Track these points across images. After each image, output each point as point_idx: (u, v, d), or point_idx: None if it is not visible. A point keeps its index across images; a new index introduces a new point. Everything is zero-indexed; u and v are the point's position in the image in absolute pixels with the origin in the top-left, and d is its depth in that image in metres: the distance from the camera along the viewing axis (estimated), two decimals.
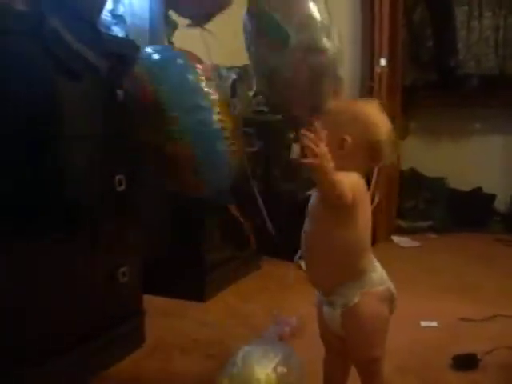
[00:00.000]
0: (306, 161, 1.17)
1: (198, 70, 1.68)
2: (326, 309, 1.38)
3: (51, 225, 1.55)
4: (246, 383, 1.44)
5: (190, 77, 1.66)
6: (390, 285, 1.36)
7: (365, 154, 1.35)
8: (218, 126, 1.65)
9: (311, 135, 1.17)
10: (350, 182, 1.27)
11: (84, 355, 1.68)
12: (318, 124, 1.22)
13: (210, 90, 1.67)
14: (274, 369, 1.46)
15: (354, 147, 1.32)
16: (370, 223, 1.37)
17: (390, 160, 1.38)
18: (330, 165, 1.18)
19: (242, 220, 1.85)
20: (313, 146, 1.16)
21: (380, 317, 1.34)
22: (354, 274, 1.32)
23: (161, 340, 2.01)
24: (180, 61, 1.70)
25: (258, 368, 1.45)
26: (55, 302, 1.57)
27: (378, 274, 1.35)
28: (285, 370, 1.48)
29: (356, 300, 1.31)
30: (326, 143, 1.22)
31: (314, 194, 1.40)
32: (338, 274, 1.33)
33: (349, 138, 1.32)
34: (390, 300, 1.35)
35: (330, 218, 1.32)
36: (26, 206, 1.46)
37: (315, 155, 1.16)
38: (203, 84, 1.66)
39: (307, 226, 1.39)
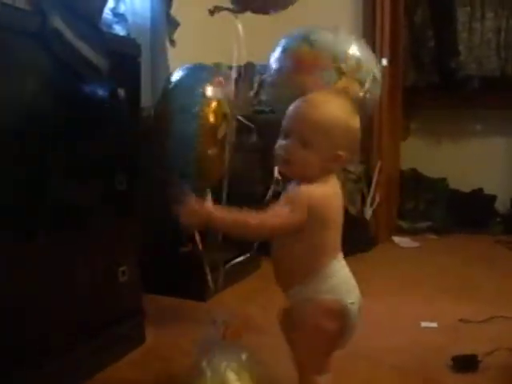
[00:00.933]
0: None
1: None
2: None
3: (51, 224, 1.55)
4: None
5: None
6: (346, 300, 1.27)
7: (331, 162, 1.28)
8: None
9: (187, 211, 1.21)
10: (301, 204, 1.22)
11: (83, 355, 1.68)
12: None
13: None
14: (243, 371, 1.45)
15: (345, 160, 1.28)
16: (338, 225, 1.31)
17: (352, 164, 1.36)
18: (213, 217, 1.19)
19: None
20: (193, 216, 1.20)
21: (318, 327, 1.26)
22: (305, 277, 1.28)
23: (160, 340, 2.01)
24: None
25: (230, 375, 1.44)
26: (55, 301, 1.57)
27: (331, 282, 1.27)
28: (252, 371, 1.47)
29: (298, 303, 1.29)
30: (315, 156, 1.24)
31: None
32: (292, 274, 1.30)
33: (343, 154, 1.26)
34: (340, 315, 1.26)
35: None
36: (25, 205, 1.46)
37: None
38: None
39: None
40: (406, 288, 2.69)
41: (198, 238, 2.00)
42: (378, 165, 3.70)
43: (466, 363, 1.80)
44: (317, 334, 1.27)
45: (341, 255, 1.33)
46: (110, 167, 1.78)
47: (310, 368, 1.31)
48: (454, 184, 4.40)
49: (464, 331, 2.13)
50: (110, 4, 2.22)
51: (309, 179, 1.27)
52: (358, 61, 1.90)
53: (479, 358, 1.80)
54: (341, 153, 1.26)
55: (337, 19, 3.92)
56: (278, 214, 1.23)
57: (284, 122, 1.31)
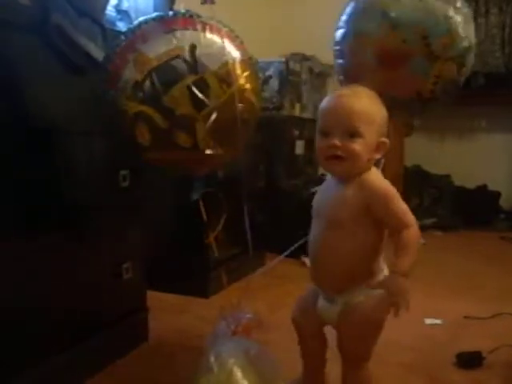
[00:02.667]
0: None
1: None
2: (323, 302, 1.38)
3: (54, 220, 1.55)
4: None
5: None
6: None
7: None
8: None
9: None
10: (397, 193, 1.29)
11: (87, 351, 1.68)
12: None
13: None
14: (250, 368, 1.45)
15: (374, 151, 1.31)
16: None
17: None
18: (406, 272, 1.24)
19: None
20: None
21: (379, 319, 1.31)
22: (364, 277, 1.31)
23: (164, 336, 2.01)
24: None
25: (237, 371, 1.43)
26: (58, 298, 1.57)
27: (384, 275, 1.33)
28: (260, 367, 1.46)
29: (359, 300, 1.30)
30: (364, 146, 1.27)
31: (326, 191, 1.38)
32: (347, 276, 1.31)
33: (387, 140, 1.30)
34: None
35: (358, 223, 1.29)
36: (28, 202, 1.46)
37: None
38: None
39: (319, 227, 1.35)
40: (410, 284, 2.67)
41: (211, 236, 1.97)
42: (382, 161, 3.67)
43: (470, 360, 1.79)
44: (379, 328, 1.32)
45: None
46: (113, 164, 1.77)
47: (366, 358, 1.34)
48: (458, 180, 4.40)
49: (468, 328, 2.13)
50: (113, 1, 2.21)
51: (359, 172, 1.30)
52: (450, 30, 1.64)
53: (483, 355, 1.80)
54: (385, 140, 1.30)
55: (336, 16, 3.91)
56: (409, 215, 1.27)
57: (322, 122, 1.32)
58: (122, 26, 2.36)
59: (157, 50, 1.37)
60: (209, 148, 1.37)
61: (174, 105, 1.32)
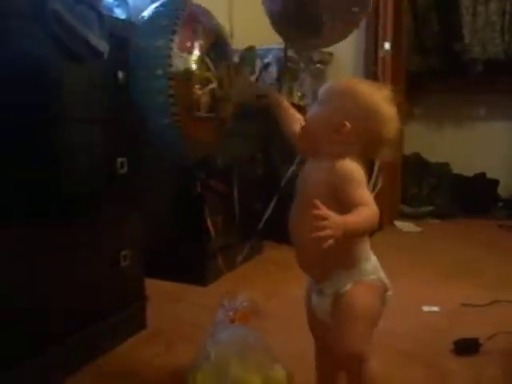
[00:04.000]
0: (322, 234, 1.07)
1: None
2: (314, 297, 1.32)
3: (52, 208, 1.55)
4: (222, 379, 1.41)
5: None
6: (383, 275, 1.29)
7: (362, 147, 1.25)
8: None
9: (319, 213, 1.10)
10: (363, 181, 1.20)
11: (85, 339, 1.68)
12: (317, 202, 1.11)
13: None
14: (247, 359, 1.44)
15: (352, 136, 1.23)
16: None
17: (389, 157, 1.30)
18: (347, 222, 1.10)
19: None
20: (323, 223, 1.08)
21: (371, 308, 1.26)
22: (347, 261, 1.26)
23: (161, 324, 2.01)
24: None
25: (234, 358, 1.43)
26: (56, 286, 1.57)
27: (371, 263, 1.28)
28: (257, 354, 1.46)
29: (347, 288, 1.24)
30: (320, 123, 1.24)
31: (307, 173, 1.32)
32: (330, 260, 1.25)
33: (348, 125, 1.22)
34: (382, 291, 1.28)
35: (331, 203, 1.18)
36: (25, 189, 1.46)
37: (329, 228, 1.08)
38: None
39: (298, 207, 1.31)
40: (408, 272, 2.69)
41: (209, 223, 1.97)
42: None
43: (467, 347, 1.80)
44: (368, 317, 1.25)
45: None
46: (110, 151, 1.77)
47: (363, 356, 1.24)
48: (457, 169, 4.40)
49: (466, 315, 2.13)
50: None
51: (324, 152, 1.25)
52: None
53: (480, 342, 1.80)
54: (346, 123, 1.22)
55: None
56: (369, 200, 1.18)
57: None
58: (119, 13, 2.35)
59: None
60: None
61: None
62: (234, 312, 1.58)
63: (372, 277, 1.26)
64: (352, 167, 1.22)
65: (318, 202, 1.09)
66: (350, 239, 1.18)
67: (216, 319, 1.58)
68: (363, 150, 1.25)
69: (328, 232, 1.06)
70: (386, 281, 1.29)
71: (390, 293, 1.29)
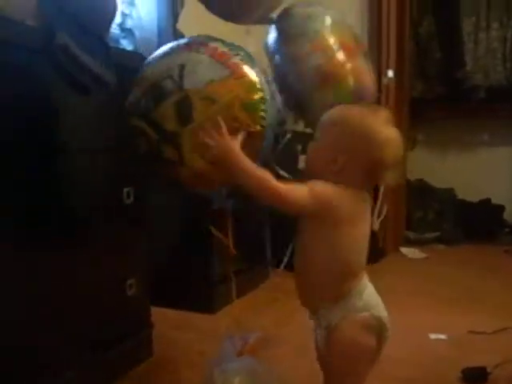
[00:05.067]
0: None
1: None
2: (317, 330, 1.30)
3: (57, 237, 1.56)
4: None
5: None
6: (379, 313, 1.25)
7: (363, 174, 1.21)
8: None
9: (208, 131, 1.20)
10: (317, 191, 1.18)
11: (91, 368, 1.68)
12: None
13: None
14: None
15: (350, 165, 1.20)
16: (363, 244, 1.26)
17: (394, 181, 1.25)
18: (236, 153, 1.18)
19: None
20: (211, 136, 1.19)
21: (359, 345, 1.22)
22: (336, 295, 1.23)
23: (168, 352, 2.01)
24: None
25: None
26: (62, 314, 1.57)
27: (363, 299, 1.24)
28: None
29: (336, 322, 1.23)
30: (318, 158, 1.23)
31: None
32: (319, 293, 1.26)
33: (341, 157, 1.19)
34: (377, 329, 1.24)
35: (313, 231, 1.23)
36: (34, 218, 1.47)
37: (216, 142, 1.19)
38: None
39: (296, 239, 1.30)
40: (414, 299, 2.68)
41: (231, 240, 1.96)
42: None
43: (475, 375, 1.79)
44: (356, 354, 1.23)
45: (364, 272, 1.29)
46: (117, 181, 1.79)
47: None
48: (461, 194, 4.40)
49: (473, 343, 2.12)
50: (118, 19, 2.24)
51: (318, 178, 1.22)
52: None
53: (489, 370, 1.79)
54: (340, 157, 1.20)
55: None
56: (295, 192, 1.18)
57: None
58: (125, 44, 2.39)
59: (153, 70, 1.44)
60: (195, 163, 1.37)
61: (161, 120, 1.36)
62: (242, 345, 1.57)
63: (363, 313, 1.23)
64: (327, 186, 1.20)
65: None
66: (237, 182, 1.21)
67: (223, 350, 1.57)
68: (366, 176, 1.22)
69: (211, 141, 1.20)
70: (384, 319, 1.25)
71: (389, 332, 1.26)
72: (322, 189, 1.19)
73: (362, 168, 1.21)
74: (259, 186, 1.17)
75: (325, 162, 1.22)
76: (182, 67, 1.37)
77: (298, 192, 1.17)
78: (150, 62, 1.48)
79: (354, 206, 1.22)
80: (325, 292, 1.25)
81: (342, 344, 1.22)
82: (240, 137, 1.24)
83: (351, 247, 1.23)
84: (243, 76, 1.41)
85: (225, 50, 1.44)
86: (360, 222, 1.25)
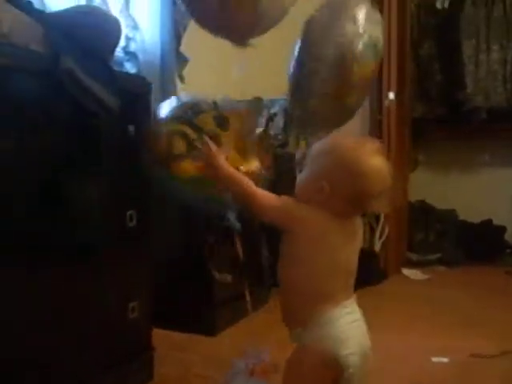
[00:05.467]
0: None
1: None
2: None
3: (60, 260, 1.56)
4: None
5: None
6: (342, 351, 1.18)
7: (348, 203, 1.22)
8: None
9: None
10: (284, 199, 1.25)
11: None
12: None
13: None
14: None
15: (335, 194, 1.21)
16: (342, 270, 1.25)
17: (382, 209, 1.29)
18: (222, 163, 1.32)
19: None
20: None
21: (302, 375, 1.22)
22: (305, 319, 1.23)
23: (169, 375, 2.00)
24: None
25: None
26: (63, 337, 1.57)
27: (322, 330, 1.21)
28: None
29: (295, 346, 1.25)
30: (305, 186, 1.27)
31: None
32: (293, 313, 1.27)
33: (327, 186, 1.21)
34: (332, 366, 1.19)
35: (288, 247, 1.26)
36: (36, 241, 1.48)
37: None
38: None
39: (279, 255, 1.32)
40: (416, 321, 2.67)
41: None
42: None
43: None
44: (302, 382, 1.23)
45: (349, 302, 1.26)
46: (120, 204, 1.79)
47: None
48: (463, 215, 4.40)
49: (475, 366, 2.11)
50: (121, 43, 2.26)
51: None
52: None
53: None
54: (325, 185, 1.22)
55: None
56: (269, 196, 1.27)
57: None
58: (129, 67, 2.41)
59: None
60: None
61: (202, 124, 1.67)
62: (254, 364, 1.56)
63: (318, 344, 1.20)
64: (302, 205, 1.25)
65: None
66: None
67: (233, 369, 1.57)
68: (351, 205, 1.23)
69: (204, 156, 1.36)
70: (343, 358, 1.18)
71: (350, 370, 1.19)
72: (288, 199, 1.26)
73: (347, 197, 1.22)
74: (239, 187, 1.30)
75: (312, 191, 1.24)
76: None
77: (269, 197, 1.26)
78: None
79: (331, 229, 1.23)
80: (297, 313, 1.26)
81: (287, 369, 1.25)
82: (225, 150, 1.44)
83: (325, 269, 1.23)
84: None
85: None
86: (342, 246, 1.25)
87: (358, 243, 1.30)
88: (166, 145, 1.64)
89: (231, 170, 1.32)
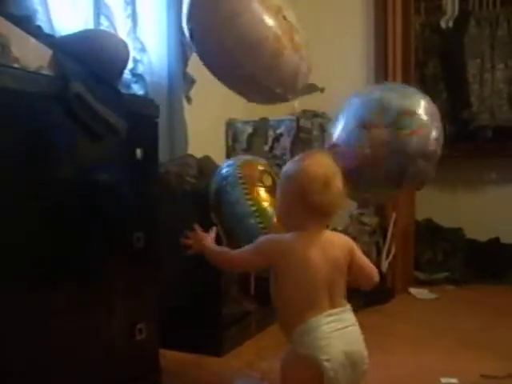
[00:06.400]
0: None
1: None
2: None
3: (67, 282, 1.57)
4: None
5: None
6: (320, 355, 1.25)
7: (308, 215, 1.34)
8: None
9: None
10: (256, 247, 1.39)
11: None
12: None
13: None
14: None
15: (295, 210, 1.35)
16: (313, 281, 1.32)
17: (339, 209, 1.36)
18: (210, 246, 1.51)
19: None
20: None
21: (288, 379, 1.33)
22: (289, 331, 1.34)
23: None
24: None
25: None
26: (70, 359, 1.57)
27: (311, 336, 1.27)
28: None
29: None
30: (277, 210, 1.46)
31: None
32: (282, 323, 1.40)
33: (289, 203, 1.36)
34: (314, 370, 1.25)
35: (272, 271, 1.38)
36: (43, 263, 1.49)
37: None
38: None
39: None
40: (424, 341, 2.66)
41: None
42: (393, 216, 3.70)
43: None
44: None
45: (338, 310, 1.32)
46: (127, 225, 1.80)
47: None
48: (470, 233, 4.38)
49: None
50: (129, 65, 2.29)
51: (286, 229, 1.39)
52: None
53: None
54: (291, 207, 1.36)
55: (348, 74, 4.00)
56: (241, 255, 1.44)
57: None
58: (136, 89, 2.44)
59: None
60: None
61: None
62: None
63: (304, 351, 1.28)
64: (272, 237, 1.43)
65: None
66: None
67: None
68: (311, 216, 1.34)
69: (188, 242, 1.55)
70: (320, 359, 1.25)
71: (330, 375, 1.24)
72: (260, 243, 1.40)
73: (304, 210, 1.33)
74: (221, 260, 1.50)
75: (284, 215, 1.41)
76: None
77: (243, 253, 1.43)
78: None
79: (303, 246, 1.33)
80: (287, 322, 1.37)
81: (281, 373, 1.34)
82: (212, 233, 1.56)
83: (303, 283, 1.32)
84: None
85: None
86: (316, 258, 1.32)
87: (338, 251, 1.36)
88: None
89: (214, 247, 1.52)
